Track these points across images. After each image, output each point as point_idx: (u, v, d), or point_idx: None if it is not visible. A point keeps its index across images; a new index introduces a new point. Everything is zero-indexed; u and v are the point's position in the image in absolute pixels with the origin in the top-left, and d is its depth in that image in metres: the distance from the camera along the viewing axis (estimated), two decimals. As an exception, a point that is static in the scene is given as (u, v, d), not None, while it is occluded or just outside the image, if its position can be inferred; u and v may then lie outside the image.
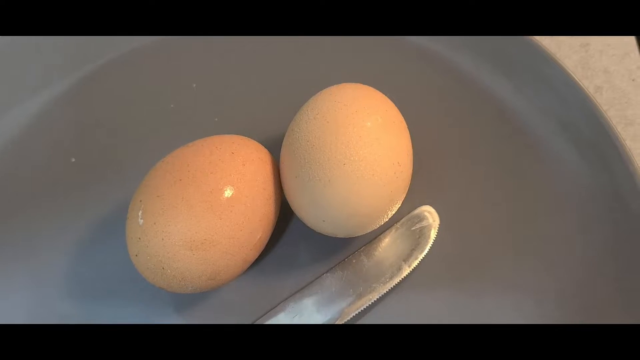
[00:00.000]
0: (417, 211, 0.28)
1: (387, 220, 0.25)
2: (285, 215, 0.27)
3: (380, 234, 0.27)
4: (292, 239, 0.27)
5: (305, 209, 0.24)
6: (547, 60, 0.29)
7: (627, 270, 0.26)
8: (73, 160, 0.29)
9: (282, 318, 0.25)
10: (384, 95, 0.26)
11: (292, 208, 0.25)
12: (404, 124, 0.25)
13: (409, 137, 0.25)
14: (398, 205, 0.25)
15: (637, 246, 0.26)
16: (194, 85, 0.31)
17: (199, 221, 0.22)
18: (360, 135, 0.23)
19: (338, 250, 0.27)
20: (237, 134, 0.26)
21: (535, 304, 0.26)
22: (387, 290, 0.26)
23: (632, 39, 0.33)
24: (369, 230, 0.25)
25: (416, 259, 0.26)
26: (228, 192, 0.23)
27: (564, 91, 0.28)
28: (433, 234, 0.27)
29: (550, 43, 0.33)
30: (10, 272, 0.27)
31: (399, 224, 0.27)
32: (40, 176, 0.29)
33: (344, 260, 0.27)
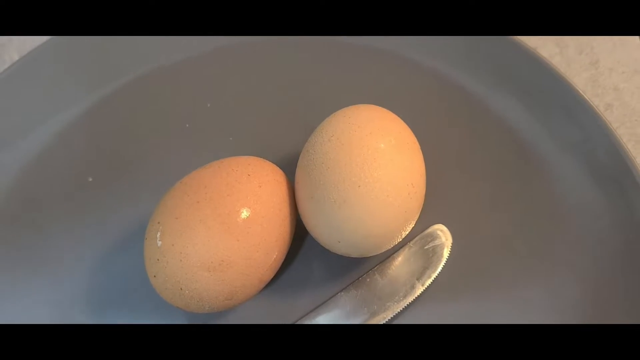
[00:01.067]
0: (429, 230, 0.28)
1: (401, 239, 0.25)
2: (299, 235, 0.27)
3: (394, 252, 0.27)
4: (306, 258, 0.28)
5: (320, 229, 0.24)
6: (557, 80, 0.29)
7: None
8: (90, 179, 0.30)
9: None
10: (396, 116, 0.26)
11: (307, 228, 0.25)
12: (416, 145, 0.26)
13: (422, 157, 0.26)
14: (412, 225, 0.25)
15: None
16: (209, 104, 0.32)
17: (216, 243, 0.22)
18: (375, 157, 0.23)
19: (352, 269, 0.27)
20: (251, 153, 0.27)
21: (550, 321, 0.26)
22: (401, 308, 0.26)
23: (641, 56, 0.34)
24: (383, 250, 0.25)
25: (429, 277, 0.27)
26: (245, 214, 0.23)
27: (574, 109, 0.29)
28: (446, 253, 0.27)
29: (560, 61, 0.33)
30: (30, 287, 0.27)
31: (412, 242, 0.28)
32: (59, 194, 0.30)
33: (358, 279, 0.27)
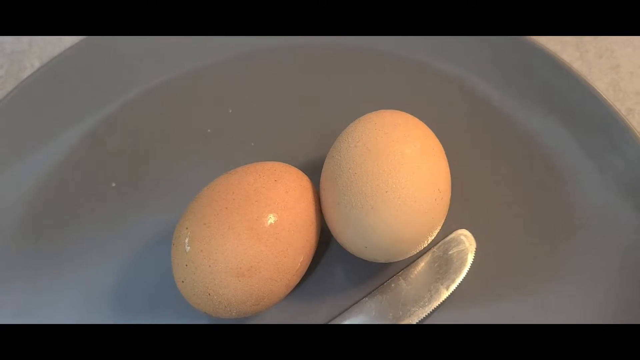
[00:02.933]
0: (453, 235, 0.28)
1: (426, 244, 0.25)
2: (323, 240, 0.27)
3: (418, 258, 0.27)
4: (330, 263, 0.28)
5: (347, 235, 0.24)
6: (579, 84, 0.29)
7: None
8: (113, 185, 0.30)
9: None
10: (421, 122, 0.26)
11: (333, 234, 0.25)
12: (441, 150, 0.26)
13: (447, 162, 0.26)
14: (438, 230, 0.25)
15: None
16: (230, 110, 0.32)
17: (245, 249, 0.23)
18: (402, 163, 0.23)
19: (376, 275, 0.27)
20: (273, 159, 0.27)
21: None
22: (426, 314, 0.26)
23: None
24: (409, 255, 0.25)
25: (454, 282, 0.26)
26: (272, 220, 0.23)
27: (598, 115, 0.29)
28: (470, 258, 0.27)
29: (580, 65, 0.33)
30: (54, 291, 0.28)
31: (435, 248, 0.28)
32: (83, 199, 0.30)
33: (383, 284, 0.27)
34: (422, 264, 0.27)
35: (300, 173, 0.26)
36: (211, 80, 0.32)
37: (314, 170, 0.27)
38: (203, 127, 0.32)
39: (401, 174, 0.23)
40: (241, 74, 0.33)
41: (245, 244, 0.23)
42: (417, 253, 0.27)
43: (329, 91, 0.32)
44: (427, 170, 0.24)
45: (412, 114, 0.26)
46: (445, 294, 0.26)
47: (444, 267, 0.27)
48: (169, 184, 0.30)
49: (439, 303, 0.26)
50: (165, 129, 0.32)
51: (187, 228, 0.23)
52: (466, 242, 0.27)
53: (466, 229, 0.28)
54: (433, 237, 0.25)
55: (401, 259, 0.25)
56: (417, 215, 0.23)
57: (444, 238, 0.28)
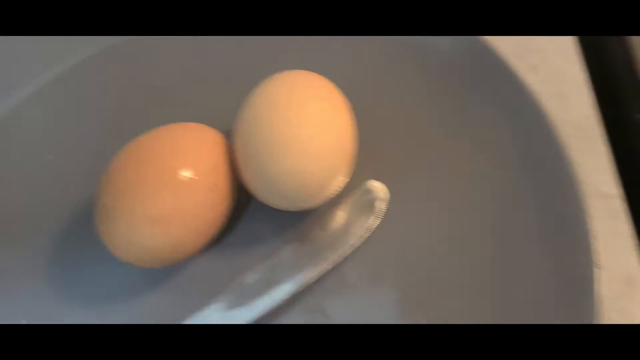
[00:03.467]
0: (365, 186, 0.30)
1: (335, 193, 0.28)
2: (246, 195, 0.29)
3: (332, 207, 0.29)
4: (252, 216, 0.30)
5: (257, 185, 0.27)
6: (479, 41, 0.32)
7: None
8: (51, 157, 0.32)
9: (247, 288, 0.27)
10: (326, 79, 0.28)
11: (246, 186, 0.27)
12: (345, 104, 0.28)
13: (350, 116, 0.28)
14: (344, 179, 0.27)
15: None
16: (159, 84, 0.34)
17: (162, 198, 0.25)
18: (305, 114, 0.26)
19: (294, 224, 0.29)
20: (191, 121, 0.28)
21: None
22: (342, 259, 0.28)
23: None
24: (318, 203, 0.27)
25: (365, 229, 0.29)
26: (186, 172, 0.25)
27: (497, 72, 0.32)
28: (380, 205, 0.29)
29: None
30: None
31: (348, 197, 0.30)
32: (17, 173, 0.31)
33: (299, 232, 0.29)
34: (337, 213, 0.29)
35: (214, 131, 0.28)
36: (138, 54, 0.34)
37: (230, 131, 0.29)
38: (136, 101, 0.33)
39: (303, 124, 0.25)
40: (166, 49, 0.35)
41: (161, 194, 0.25)
42: (331, 202, 0.29)
43: (248, 60, 0.34)
44: (329, 121, 0.26)
45: (325, 74, 0.28)
46: (359, 241, 0.28)
47: (356, 215, 0.29)
48: (101, 156, 0.31)
49: (353, 249, 0.28)
50: (97, 102, 0.34)
51: (107, 182, 0.25)
52: (376, 192, 0.29)
53: (380, 180, 0.30)
54: (340, 185, 0.27)
55: (311, 207, 0.28)
56: (319, 162, 0.25)
57: (356, 189, 0.30)
